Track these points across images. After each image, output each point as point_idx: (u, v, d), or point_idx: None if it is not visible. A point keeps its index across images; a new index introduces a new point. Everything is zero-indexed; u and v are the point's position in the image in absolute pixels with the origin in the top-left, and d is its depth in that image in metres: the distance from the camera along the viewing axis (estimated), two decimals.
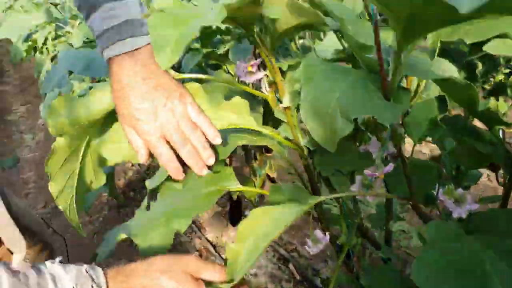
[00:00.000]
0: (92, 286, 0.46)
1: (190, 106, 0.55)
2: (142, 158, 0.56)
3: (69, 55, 1.04)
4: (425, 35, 0.46)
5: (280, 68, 0.59)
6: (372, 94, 0.44)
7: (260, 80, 0.65)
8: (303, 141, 0.53)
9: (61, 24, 1.67)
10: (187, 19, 0.39)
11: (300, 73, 0.48)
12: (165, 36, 0.38)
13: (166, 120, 0.53)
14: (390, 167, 0.49)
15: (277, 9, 0.43)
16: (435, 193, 0.56)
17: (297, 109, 0.53)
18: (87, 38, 1.62)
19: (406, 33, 0.39)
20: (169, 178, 0.73)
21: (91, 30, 0.59)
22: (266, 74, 0.62)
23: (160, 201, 0.61)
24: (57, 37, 2.01)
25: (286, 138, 0.55)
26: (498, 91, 0.59)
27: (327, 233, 0.64)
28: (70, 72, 1.02)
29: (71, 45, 1.97)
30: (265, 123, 0.75)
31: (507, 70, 0.85)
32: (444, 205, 0.55)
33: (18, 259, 0.58)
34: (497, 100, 0.62)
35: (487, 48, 0.44)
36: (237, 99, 0.57)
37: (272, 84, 0.61)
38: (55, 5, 1.61)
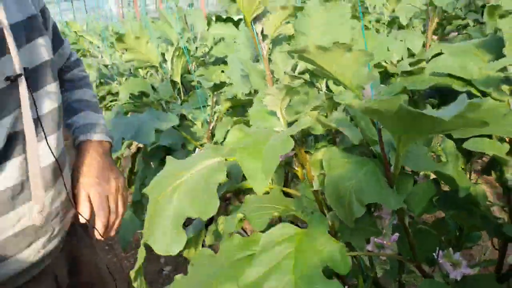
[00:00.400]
0: None
1: (124, 193, 0.81)
2: (87, 215, 0.75)
3: (120, 123, 1.21)
4: (418, 140, 0.60)
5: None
6: (381, 183, 0.57)
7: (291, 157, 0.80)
8: (328, 216, 0.66)
9: (109, 80, 1.90)
10: (260, 149, 0.53)
11: (324, 162, 0.62)
12: (251, 168, 0.52)
13: (113, 190, 0.77)
14: (396, 237, 0.62)
15: (318, 126, 0.58)
16: (435, 255, 0.68)
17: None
18: (131, 94, 1.83)
19: (403, 143, 0.53)
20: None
21: (70, 126, 0.84)
22: (295, 154, 0.77)
23: (197, 267, 0.67)
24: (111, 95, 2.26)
25: (313, 212, 0.69)
26: (488, 169, 0.72)
27: (346, 287, 0.76)
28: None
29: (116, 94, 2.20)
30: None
31: None
32: (443, 267, 0.66)
33: (36, 209, 0.67)
34: (490, 175, 0.74)
35: (466, 145, 0.57)
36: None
37: (300, 164, 0.75)
38: (106, 65, 1.85)
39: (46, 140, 0.67)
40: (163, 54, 1.69)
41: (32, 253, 0.68)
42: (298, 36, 0.74)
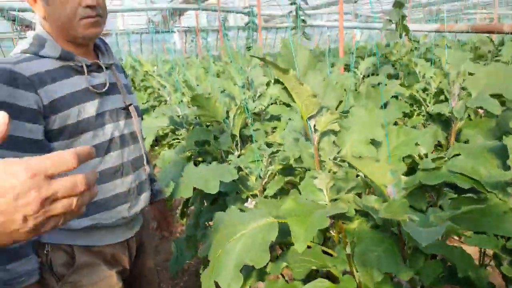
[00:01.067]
0: None
1: None
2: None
3: (192, 173, 1.46)
4: None
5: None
6: (396, 258, 0.75)
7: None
8: (356, 275, 0.84)
9: (178, 127, 2.22)
10: (305, 219, 0.74)
11: (355, 234, 0.81)
12: (297, 232, 0.73)
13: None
14: None
15: (352, 210, 0.78)
16: None
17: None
18: (196, 141, 2.11)
19: None
20: None
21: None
22: (334, 222, 0.96)
23: None
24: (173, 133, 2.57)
25: (345, 271, 0.87)
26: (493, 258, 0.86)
27: None
28: None
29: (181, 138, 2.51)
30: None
31: None
32: None
33: (125, 182, 1.12)
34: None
35: (469, 242, 0.74)
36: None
37: (337, 231, 0.94)
38: (178, 116, 2.17)
39: (139, 143, 1.16)
40: (227, 112, 1.96)
41: (122, 210, 1.10)
42: (343, 130, 0.96)
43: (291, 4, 5.78)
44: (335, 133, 0.97)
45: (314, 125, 0.93)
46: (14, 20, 9.24)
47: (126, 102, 1.11)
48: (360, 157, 0.69)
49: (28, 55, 0.96)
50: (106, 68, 1.08)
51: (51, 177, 0.42)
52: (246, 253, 0.79)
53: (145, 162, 1.20)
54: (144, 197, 1.19)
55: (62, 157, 0.43)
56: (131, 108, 1.12)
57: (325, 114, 0.90)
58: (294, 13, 5.82)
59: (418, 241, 0.52)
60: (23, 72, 0.91)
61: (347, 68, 4.15)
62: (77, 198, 0.44)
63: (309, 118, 0.92)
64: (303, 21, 5.84)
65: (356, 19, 10.61)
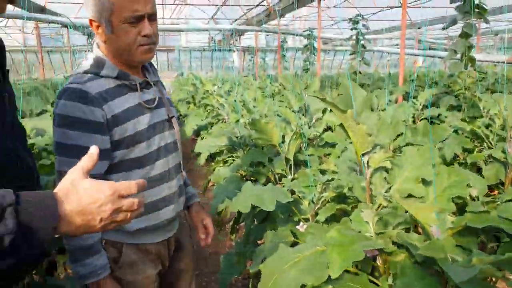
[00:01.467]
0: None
1: None
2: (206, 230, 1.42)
3: (250, 190, 1.57)
4: None
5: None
6: None
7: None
8: None
9: (236, 147, 2.37)
10: (345, 249, 0.82)
11: (398, 268, 0.87)
12: (334, 260, 0.81)
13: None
14: None
15: (389, 245, 0.84)
16: None
17: None
18: (252, 161, 2.23)
19: None
20: None
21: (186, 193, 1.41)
22: (379, 253, 1.02)
23: None
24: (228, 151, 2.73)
25: None
26: None
27: None
28: None
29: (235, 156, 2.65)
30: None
31: None
32: None
33: (171, 186, 1.26)
34: None
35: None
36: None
37: (382, 263, 1.00)
38: (236, 136, 2.32)
39: (179, 151, 1.29)
40: (283, 136, 2.07)
41: (168, 211, 1.23)
42: (395, 168, 1.02)
43: (352, 29, 5.84)
44: (387, 170, 1.03)
45: (368, 161, 1.00)
46: (89, 35, 10.24)
47: (169, 114, 1.24)
48: (407, 196, 0.75)
49: (90, 75, 1.10)
50: (153, 84, 1.23)
51: (121, 196, 0.65)
52: (307, 274, 0.86)
53: (182, 168, 1.33)
54: (182, 200, 1.33)
55: (129, 185, 0.67)
56: (173, 120, 1.25)
57: (378, 152, 0.97)
58: (354, 37, 5.86)
59: (452, 277, 0.57)
60: (90, 90, 1.07)
61: (406, 96, 4.09)
62: (131, 212, 0.67)
63: (363, 154, 1.00)
64: (363, 46, 5.85)
65: (418, 44, 10.37)
